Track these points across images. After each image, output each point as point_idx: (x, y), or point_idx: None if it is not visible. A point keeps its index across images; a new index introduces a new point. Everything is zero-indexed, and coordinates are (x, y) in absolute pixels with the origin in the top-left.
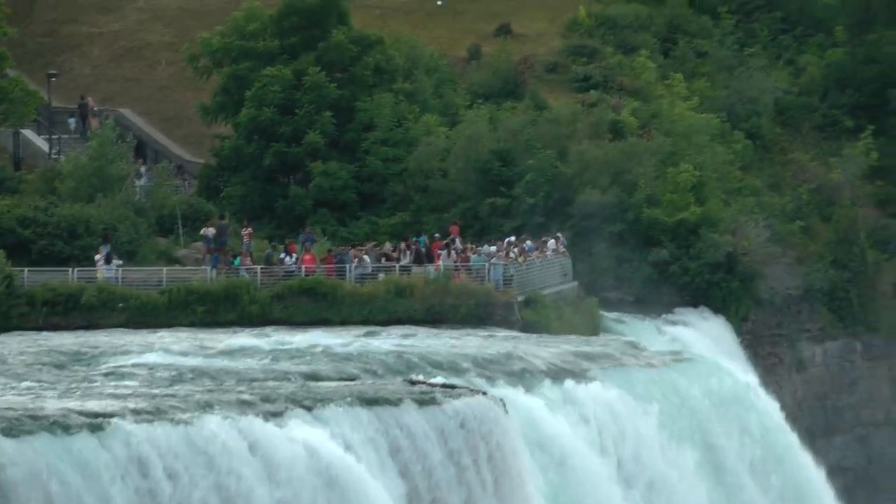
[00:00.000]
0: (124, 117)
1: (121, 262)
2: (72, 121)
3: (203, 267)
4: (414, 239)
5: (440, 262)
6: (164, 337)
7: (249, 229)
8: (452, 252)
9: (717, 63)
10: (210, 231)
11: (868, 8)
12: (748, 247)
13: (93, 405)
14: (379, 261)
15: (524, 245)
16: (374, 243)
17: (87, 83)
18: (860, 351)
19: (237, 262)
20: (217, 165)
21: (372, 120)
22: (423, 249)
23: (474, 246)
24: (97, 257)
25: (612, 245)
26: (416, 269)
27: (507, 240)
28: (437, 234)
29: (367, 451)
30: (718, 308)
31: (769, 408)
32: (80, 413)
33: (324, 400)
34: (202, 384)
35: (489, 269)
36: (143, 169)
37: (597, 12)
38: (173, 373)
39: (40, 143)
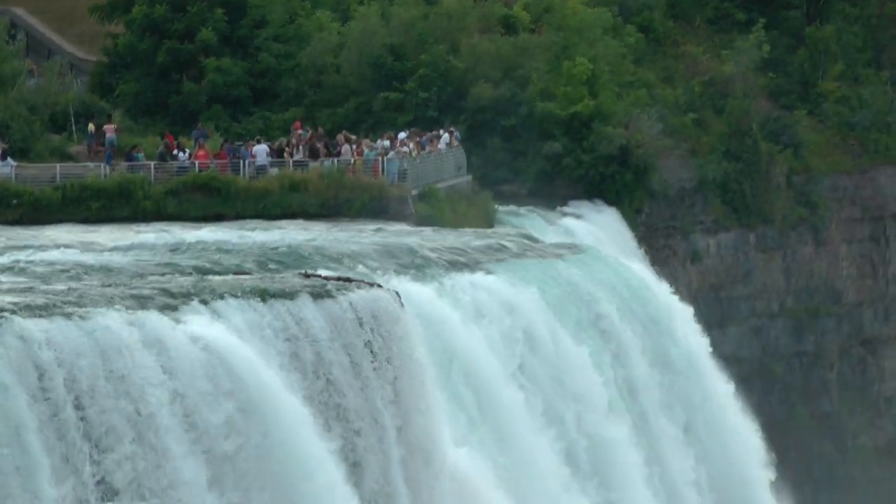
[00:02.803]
0: (17, 16)
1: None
2: None
3: (98, 163)
4: (301, 133)
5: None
6: (59, 233)
7: (113, 125)
8: (349, 147)
9: None
10: (90, 128)
11: None
12: (641, 139)
13: None
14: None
15: (420, 139)
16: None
17: None
18: (754, 242)
19: (140, 157)
20: (110, 63)
21: (264, 17)
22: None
23: (368, 140)
24: None
25: (506, 139)
26: (311, 164)
27: (399, 135)
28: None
29: (263, 344)
30: (612, 201)
31: (665, 297)
32: None
33: (219, 293)
34: (97, 279)
35: (383, 163)
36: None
37: None
38: (68, 268)
39: None
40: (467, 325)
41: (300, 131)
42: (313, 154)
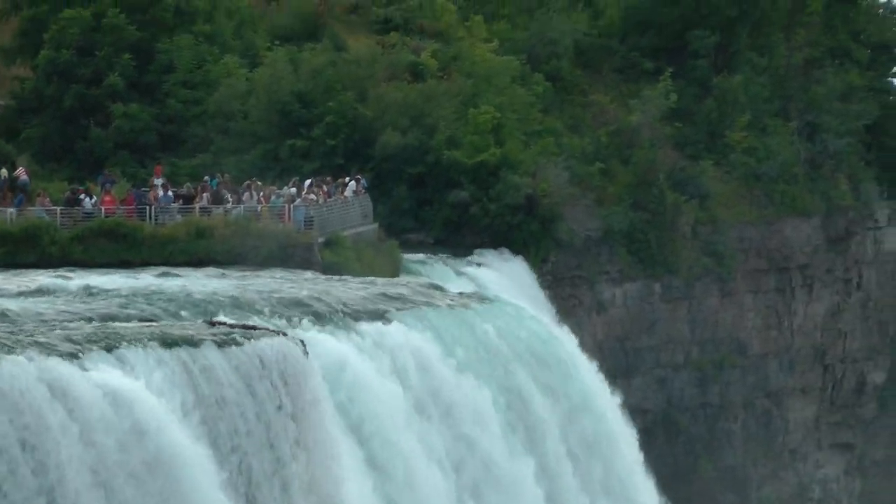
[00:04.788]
0: None
1: None
2: None
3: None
4: (207, 180)
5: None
6: None
7: (23, 168)
8: (254, 193)
9: (517, 5)
10: (2, 173)
11: None
12: (548, 189)
13: None
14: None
15: (327, 187)
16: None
17: None
18: (659, 293)
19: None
20: (16, 107)
21: (172, 62)
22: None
23: (275, 187)
24: None
25: (413, 187)
26: (216, 211)
27: (306, 182)
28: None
29: (168, 393)
30: (519, 250)
31: (570, 349)
32: None
33: (124, 341)
34: (1, 326)
35: (290, 211)
36: None
37: None
38: None
39: None
40: (373, 375)
41: (159, 179)
42: (217, 201)
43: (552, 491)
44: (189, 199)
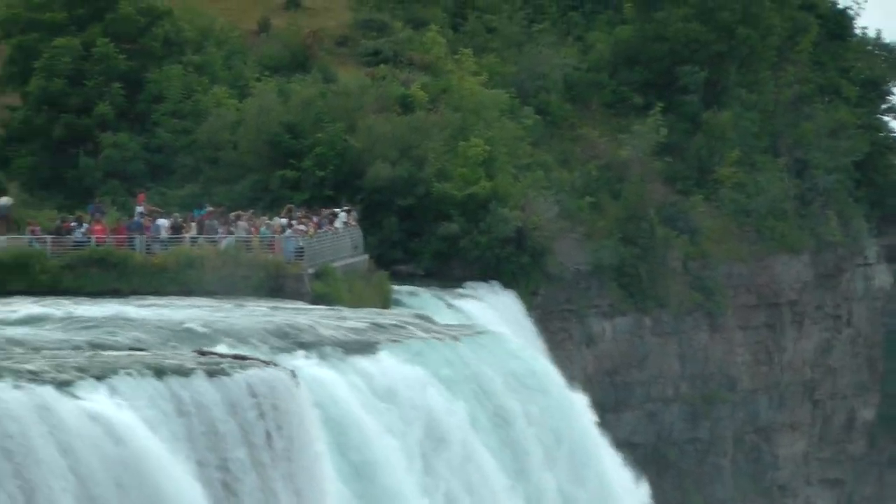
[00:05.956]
0: None
1: None
2: None
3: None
4: (194, 212)
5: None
6: None
7: (5, 197)
8: (245, 224)
9: (507, 39)
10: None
11: None
12: (538, 222)
13: None
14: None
15: (318, 218)
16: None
17: None
18: (649, 326)
19: None
20: (6, 136)
21: (161, 92)
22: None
23: (266, 218)
24: None
25: (403, 219)
26: (202, 241)
27: (296, 212)
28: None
29: (158, 422)
30: (508, 283)
31: (557, 382)
32: None
33: (114, 370)
34: None
35: (281, 242)
36: None
37: None
38: None
39: None
40: (363, 406)
41: (140, 207)
42: (201, 230)
43: None
44: (178, 229)
